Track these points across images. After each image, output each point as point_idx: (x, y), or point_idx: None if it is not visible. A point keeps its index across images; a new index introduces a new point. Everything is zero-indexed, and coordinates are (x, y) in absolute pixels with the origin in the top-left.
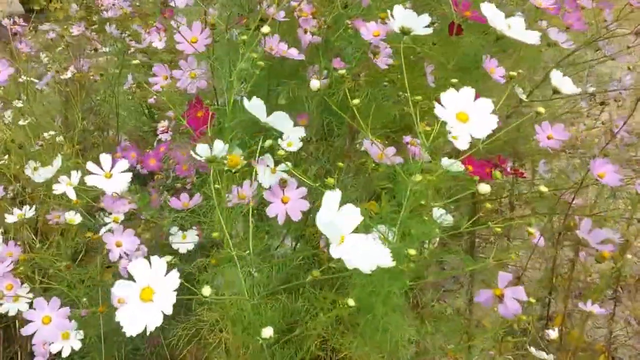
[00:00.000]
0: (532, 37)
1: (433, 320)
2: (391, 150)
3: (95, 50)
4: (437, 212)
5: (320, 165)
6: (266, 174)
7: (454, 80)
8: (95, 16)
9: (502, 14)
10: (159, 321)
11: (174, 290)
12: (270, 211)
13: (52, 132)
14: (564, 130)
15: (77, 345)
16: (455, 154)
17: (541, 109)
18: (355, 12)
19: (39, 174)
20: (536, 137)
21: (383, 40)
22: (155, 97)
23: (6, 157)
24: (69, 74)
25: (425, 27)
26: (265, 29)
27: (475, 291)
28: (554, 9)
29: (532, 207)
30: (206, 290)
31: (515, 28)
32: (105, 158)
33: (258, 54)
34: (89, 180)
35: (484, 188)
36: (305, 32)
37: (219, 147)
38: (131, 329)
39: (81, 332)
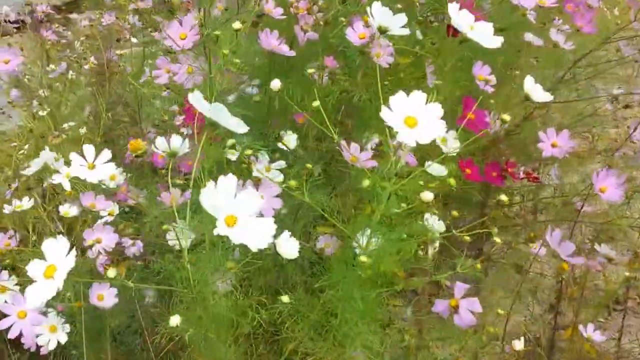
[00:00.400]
0: (494, 42)
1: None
2: (365, 155)
3: (125, 40)
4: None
5: (304, 165)
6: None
7: (437, 82)
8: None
9: (470, 15)
10: (51, 295)
11: (69, 269)
12: None
13: (71, 123)
14: (569, 138)
15: (64, 338)
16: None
17: (506, 116)
18: (354, 8)
19: (31, 165)
20: (539, 145)
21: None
22: (167, 90)
23: (26, 146)
24: (87, 65)
25: (402, 27)
26: (237, 25)
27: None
28: (572, 9)
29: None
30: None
31: (478, 31)
32: (88, 149)
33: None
34: (72, 171)
35: (427, 196)
36: (302, 28)
37: (177, 142)
38: (33, 302)
39: (67, 325)
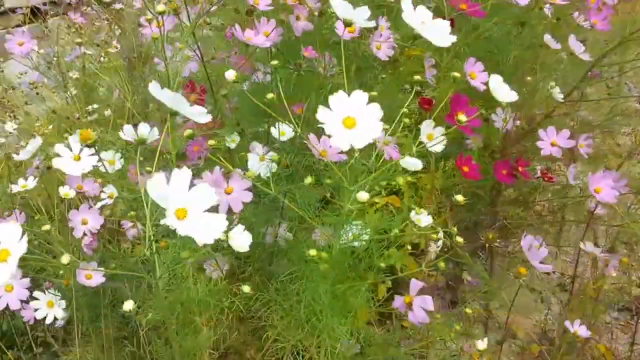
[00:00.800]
0: (445, 41)
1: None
2: (336, 149)
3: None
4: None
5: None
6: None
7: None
8: None
9: (427, 12)
10: (4, 279)
11: (22, 254)
12: None
13: (95, 106)
14: (568, 138)
15: (61, 314)
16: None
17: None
18: None
19: (25, 150)
20: (538, 143)
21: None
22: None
23: (50, 126)
24: (114, 49)
25: (367, 19)
26: (160, 7)
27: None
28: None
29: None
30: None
31: (431, 28)
32: (74, 140)
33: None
34: (55, 163)
35: (362, 197)
36: (298, 18)
37: (145, 129)
38: None
39: (63, 302)
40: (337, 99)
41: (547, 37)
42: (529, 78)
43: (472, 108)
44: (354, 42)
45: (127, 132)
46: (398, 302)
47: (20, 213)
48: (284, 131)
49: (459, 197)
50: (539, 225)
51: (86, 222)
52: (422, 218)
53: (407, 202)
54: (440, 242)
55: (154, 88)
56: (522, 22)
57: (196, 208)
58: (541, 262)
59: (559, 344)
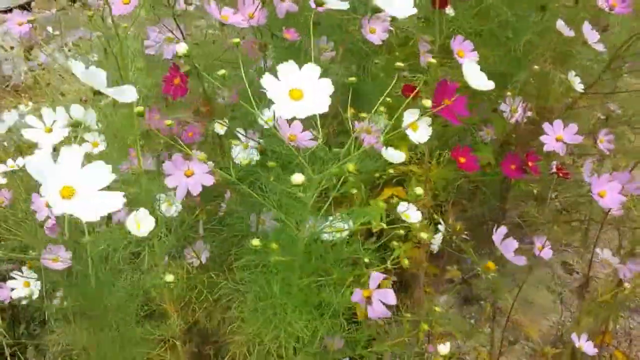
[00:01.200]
0: (405, 11)
1: None
2: (306, 134)
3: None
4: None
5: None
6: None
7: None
8: None
9: None
10: None
11: None
12: (169, 182)
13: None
14: (576, 133)
15: (36, 293)
16: None
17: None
18: None
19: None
20: (542, 138)
21: None
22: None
23: None
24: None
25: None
26: None
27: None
28: None
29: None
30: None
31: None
32: (47, 112)
33: None
34: (26, 134)
35: (297, 178)
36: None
37: (78, 111)
38: None
39: (39, 282)
40: (287, 69)
41: (560, 23)
42: (536, 67)
43: (461, 95)
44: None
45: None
46: (357, 296)
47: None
48: (270, 118)
49: (418, 190)
50: (551, 225)
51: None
52: (411, 213)
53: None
54: (440, 235)
55: (74, 64)
56: (542, 5)
57: (89, 186)
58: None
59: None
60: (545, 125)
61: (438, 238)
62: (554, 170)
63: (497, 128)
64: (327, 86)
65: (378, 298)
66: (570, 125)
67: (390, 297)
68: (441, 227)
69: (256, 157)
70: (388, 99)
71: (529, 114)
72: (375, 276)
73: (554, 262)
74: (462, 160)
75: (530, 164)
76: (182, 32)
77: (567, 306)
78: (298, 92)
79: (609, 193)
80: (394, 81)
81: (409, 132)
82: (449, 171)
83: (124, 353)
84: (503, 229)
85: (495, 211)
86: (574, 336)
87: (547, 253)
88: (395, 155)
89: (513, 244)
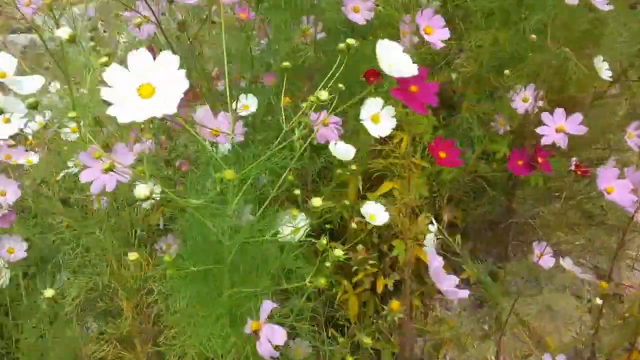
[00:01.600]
0: None
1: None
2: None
3: None
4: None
5: None
6: None
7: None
8: None
9: None
10: None
11: None
12: (84, 177)
13: None
14: (581, 124)
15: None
16: None
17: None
18: None
19: None
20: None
21: None
22: None
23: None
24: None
25: None
26: None
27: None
28: None
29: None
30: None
31: None
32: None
33: None
34: None
35: (141, 190)
36: None
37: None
38: None
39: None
40: (136, 59)
41: None
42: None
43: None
44: None
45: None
46: (248, 327)
47: None
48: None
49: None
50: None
51: (3, 194)
52: (378, 213)
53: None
54: (432, 236)
55: None
56: None
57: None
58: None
59: None
60: (544, 115)
61: (429, 239)
62: (572, 167)
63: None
64: (181, 77)
65: (266, 335)
66: (575, 115)
67: (280, 338)
68: (432, 227)
69: None
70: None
71: (541, 103)
72: (266, 307)
73: (586, 266)
74: (443, 155)
75: (539, 159)
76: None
77: (595, 316)
78: (149, 88)
79: (617, 189)
80: None
81: (367, 124)
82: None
83: None
84: (437, 263)
85: (503, 210)
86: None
87: (547, 261)
88: (343, 151)
89: (451, 279)
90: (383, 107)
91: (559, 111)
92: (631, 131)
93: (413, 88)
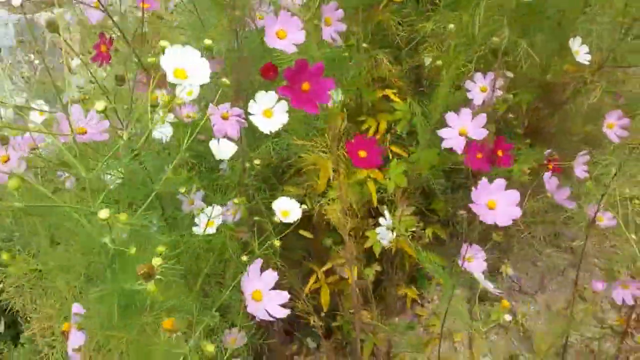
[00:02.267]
0: None
1: None
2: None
3: None
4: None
5: None
6: None
7: None
8: None
9: None
10: None
11: None
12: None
13: None
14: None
15: None
16: None
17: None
18: None
19: None
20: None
21: None
22: None
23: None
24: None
25: None
26: None
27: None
28: None
29: None
30: None
31: None
32: None
33: None
34: None
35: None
36: None
37: None
38: None
39: None
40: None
41: None
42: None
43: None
44: None
45: None
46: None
47: None
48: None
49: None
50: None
51: None
52: (292, 209)
53: None
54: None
55: None
56: None
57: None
58: None
59: None
60: (449, 115)
61: (383, 232)
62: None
63: None
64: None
65: None
66: (480, 115)
67: None
68: (383, 221)
69: None
70: None
71: (500, 93)
72: None
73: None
74: (363, 154)
75: (499, 153)
76: None
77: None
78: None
79: (500, 204)
80: None
81: (257, 119)
82: None
83: None
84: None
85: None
86: None
87: (476, 266)
88: (224, 149)
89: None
90: (277, 101)
91: (465, 111)
92: (612, 121)
93: (305, 86)
